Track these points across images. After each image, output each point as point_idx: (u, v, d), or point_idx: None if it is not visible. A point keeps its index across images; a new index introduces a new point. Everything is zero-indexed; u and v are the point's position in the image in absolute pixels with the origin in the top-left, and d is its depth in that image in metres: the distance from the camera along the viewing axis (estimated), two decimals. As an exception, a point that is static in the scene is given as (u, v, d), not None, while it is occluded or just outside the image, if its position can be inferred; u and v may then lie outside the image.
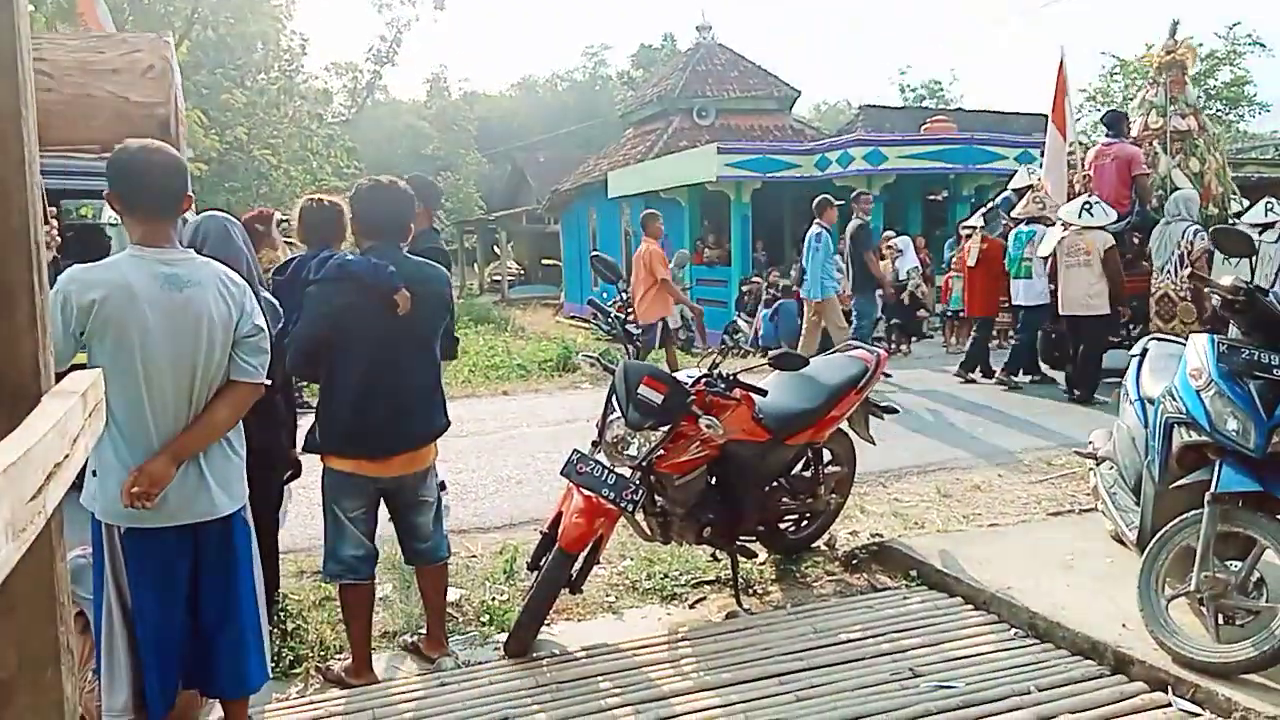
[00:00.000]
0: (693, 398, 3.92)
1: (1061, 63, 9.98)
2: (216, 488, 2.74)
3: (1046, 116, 9.96)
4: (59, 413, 1.27)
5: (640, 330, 9.94)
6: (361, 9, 64.00)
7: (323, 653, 3.83)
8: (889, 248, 12.98)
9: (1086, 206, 8.53)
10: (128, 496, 2.55)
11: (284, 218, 11.48)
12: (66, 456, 1.27)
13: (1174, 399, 3.65)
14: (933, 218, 16.74)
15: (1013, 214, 9.86)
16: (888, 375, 9.25)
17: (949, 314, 13.34)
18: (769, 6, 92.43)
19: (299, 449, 3.80)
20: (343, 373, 3.42)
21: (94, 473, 2.63)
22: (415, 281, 3.47)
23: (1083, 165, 9.61)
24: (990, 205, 11.07)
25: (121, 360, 2.53)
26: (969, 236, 10.51)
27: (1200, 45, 20.95)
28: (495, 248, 28.69)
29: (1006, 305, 10.00)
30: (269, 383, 2.87)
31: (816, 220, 9.84)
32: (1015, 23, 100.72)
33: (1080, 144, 10.44)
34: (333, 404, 3.46)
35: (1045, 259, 8.96)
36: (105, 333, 2.54)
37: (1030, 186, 9.96)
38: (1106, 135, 9.53)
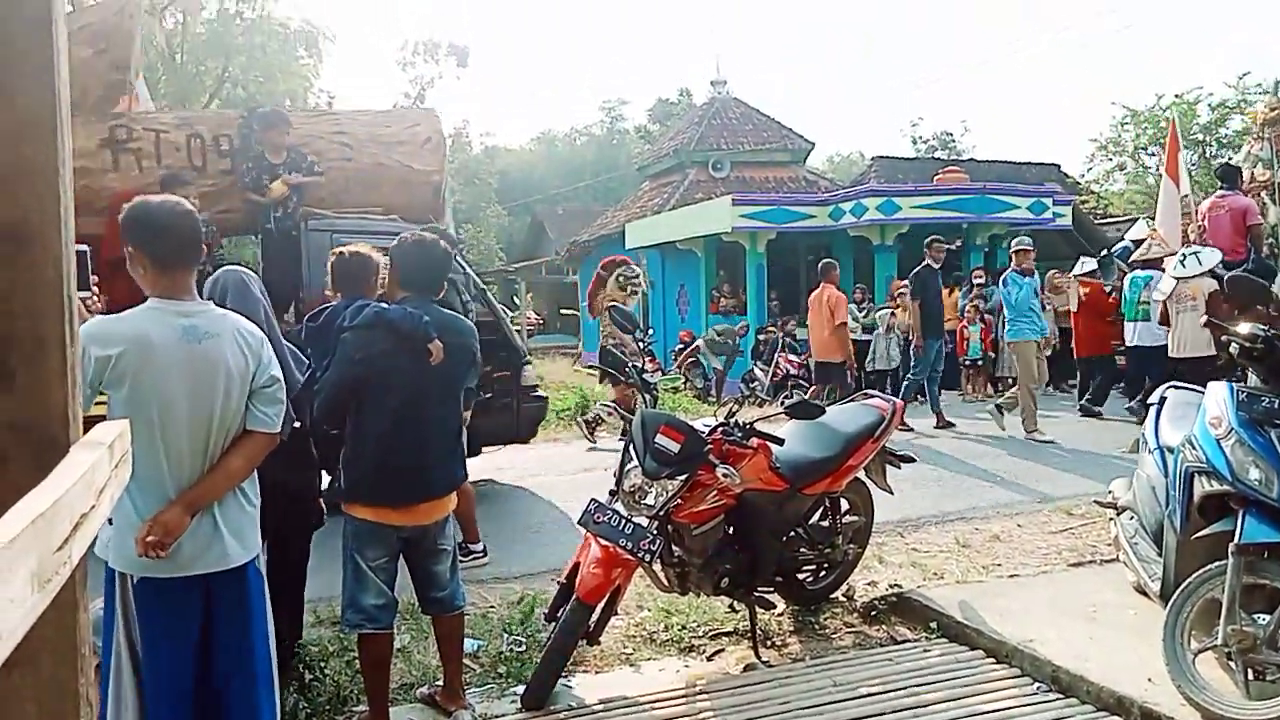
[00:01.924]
0: (710, 447, 3.92)
1: (1174, 123, 11.35)
2: (230, 538, 2.74)
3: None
4: (87, 463, 1.27)
5: (819, 367, 10.29)
6: (386, 67, 65.50)
7: (340, 704, 3.80)
8: (901, 295, 13.02)
9: (1182, 258, 8.79)
10: (142, 546, 2.57)
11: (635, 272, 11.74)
12: (93, 507, 1.27)
13: (1194, 448, 3.62)
14: (947, 267, 16.79)
15: (1132, 258, 10.39)
16: (908, 428, 9.23)
17: (966, 364, 13.29)
18: (783, 61, 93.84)
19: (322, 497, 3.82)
20: (371, 420, 3.45)
21: (109, 520, 2.64)
22: (446, 333, 3.52)
23: (1196, 215, 9.89)
24: (1105, 253, 11.93)
25: (137, 410, 2.55)
26: (1066, 284, 11.45)
27: (1210, 95, 21.19)
28: (514, 298, 29.04)
29: (1121, 348, 10.46)
30: (297, 425, 2.88)
31: (1012, 265, 10.15)
32: (1025, 75, 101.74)
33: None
34: (359, 451, 3.47)
35: (1162, 301, 9.27)
36: (122, 384, 2.57)
37: (1146, 239, 10.47)
38: (1221, 188, 9.91)
